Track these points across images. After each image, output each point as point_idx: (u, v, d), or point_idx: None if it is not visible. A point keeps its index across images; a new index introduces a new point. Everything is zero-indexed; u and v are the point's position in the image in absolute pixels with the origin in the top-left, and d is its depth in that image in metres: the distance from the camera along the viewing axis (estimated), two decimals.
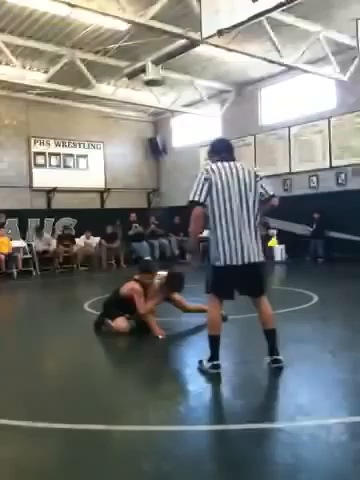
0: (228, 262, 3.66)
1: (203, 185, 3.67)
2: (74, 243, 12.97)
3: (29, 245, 12.65)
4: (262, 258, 3.81)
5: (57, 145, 14.55)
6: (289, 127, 12.90)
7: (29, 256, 12.43)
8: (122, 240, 13.51)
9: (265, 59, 10.16)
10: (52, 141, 14.43)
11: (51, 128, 14.12)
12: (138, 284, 5.25)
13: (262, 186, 3.78)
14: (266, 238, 11.47)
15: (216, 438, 2.86)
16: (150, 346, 4.94)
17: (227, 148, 3.94)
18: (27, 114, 13.66)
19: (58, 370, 4.31)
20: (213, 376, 3.69)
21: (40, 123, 13.89)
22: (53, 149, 14.48)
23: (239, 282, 3.77)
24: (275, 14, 8.28)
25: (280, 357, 3.77)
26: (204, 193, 3.66)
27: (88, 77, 11.18)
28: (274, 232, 12.39)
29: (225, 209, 3.66)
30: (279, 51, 9.77)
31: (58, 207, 14.16)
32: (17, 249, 12.24)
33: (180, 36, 8.79)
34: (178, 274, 5.32)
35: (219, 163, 3.78)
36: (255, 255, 3.72)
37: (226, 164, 3.76)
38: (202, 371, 3.80)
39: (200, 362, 3.86)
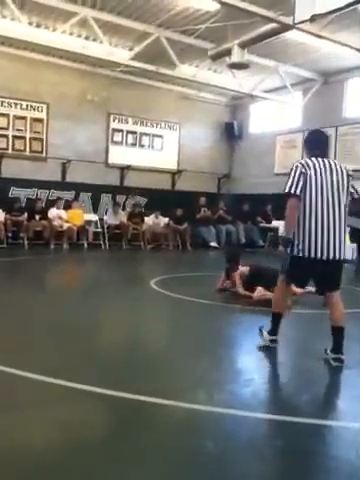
0: (312, 255, 3.70)
1: (299, 179, 3.71)
2: (143, 221, 13.16)
3: (101, 219, 12.94)
4: (345, 255, 3.83)
5: (134, 123, 14.71)
6: None
7: (99, 230, 12.74)
8: (190, 223, 13.56)
9: (356, 49, 9.77)
10: (130, 119, 14.60)
11: (130, 106, 14.25)
12: None
13: (353, 186, 3.84)
14: None
15: (278, 428, 2.82)
16: (218, 328, 4.98)
17: (321, 144, 4.01)
18: (108, 91, 13.75)
19: (126, 341, 4.42)
20: (282, 368, 3.72)
21: (120, 100, 14.03)
22: (130, 127, 14.65)
23: (317, 275, 3.82)
24: None
25: (343, 357, 3.71)
26: (300, 186, 3.70)
27: (172, 57, 11.17)
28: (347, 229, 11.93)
29: (316, 205, 3.71)
30: None
31: (130, 185, 14.34)
32: (89, 222, 12.61)
33: (271, 20, 8.57)
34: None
35: (314, 158, 3.82)
36: (339, 252, 3.74)
37: (320, 160, 3.80)
38: (260, 335, 4.06)
39: (260, 329, 4.09)
